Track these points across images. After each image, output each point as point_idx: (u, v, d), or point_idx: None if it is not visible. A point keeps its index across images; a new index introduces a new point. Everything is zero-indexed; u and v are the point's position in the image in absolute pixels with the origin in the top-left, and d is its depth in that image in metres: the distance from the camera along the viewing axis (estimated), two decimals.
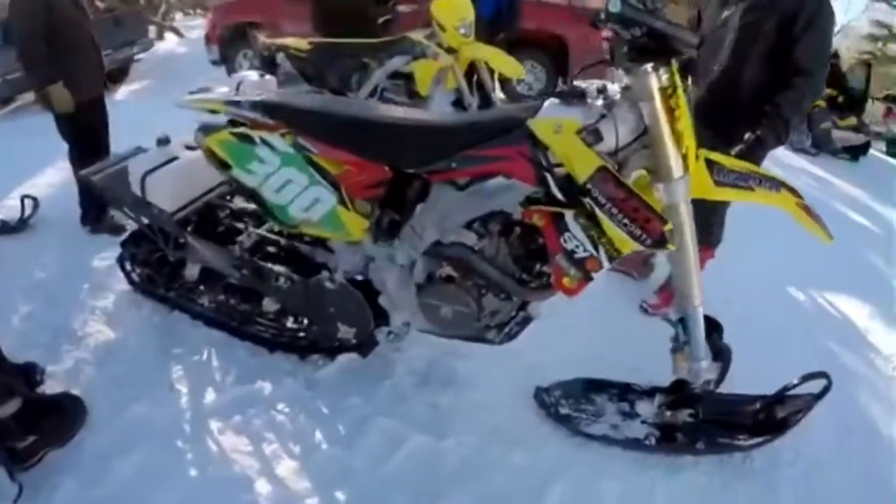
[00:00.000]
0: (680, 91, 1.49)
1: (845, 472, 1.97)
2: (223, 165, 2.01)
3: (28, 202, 3.71)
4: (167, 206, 2.31)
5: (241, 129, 1.95)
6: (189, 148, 2.42)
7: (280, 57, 3.97)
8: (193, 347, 2.47)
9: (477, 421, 2.03)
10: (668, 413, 1.93)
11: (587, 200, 1.51)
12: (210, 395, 2.22)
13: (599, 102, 1.57)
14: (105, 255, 3.24)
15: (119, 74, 6.87)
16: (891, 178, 5.88)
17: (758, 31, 2.21)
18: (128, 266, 2.80)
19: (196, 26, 10.53)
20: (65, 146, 3.42)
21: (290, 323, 2.44)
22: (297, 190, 1.90)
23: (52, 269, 3.15)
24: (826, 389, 1.80)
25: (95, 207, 3.51)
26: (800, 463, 1.96)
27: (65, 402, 1.97)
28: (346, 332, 2.16)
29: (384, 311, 2.10)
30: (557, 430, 1.99)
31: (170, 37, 9.09)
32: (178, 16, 10.41)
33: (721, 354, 1.87)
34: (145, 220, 2.46)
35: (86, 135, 3.34)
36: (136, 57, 7.21)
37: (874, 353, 2.76)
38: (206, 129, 2.03)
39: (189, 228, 2.41)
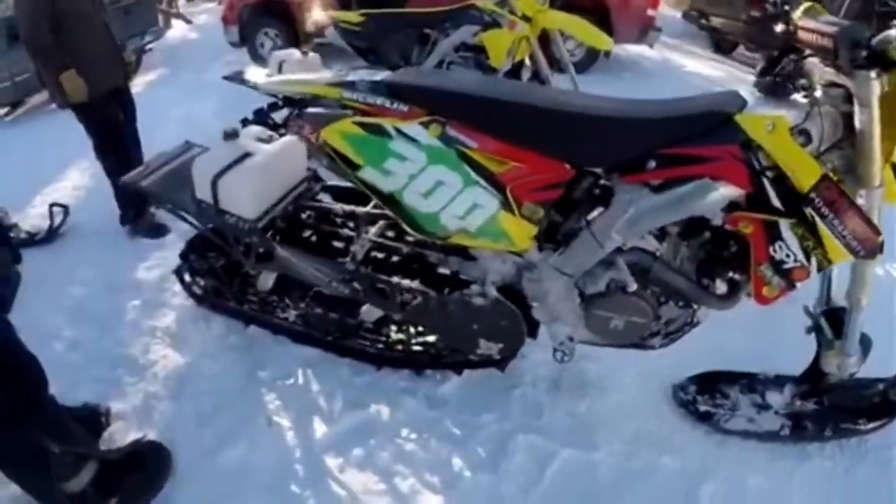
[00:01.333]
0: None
1: None
2: (348, 164, 1.66)
3: (57, 210, 3.44)
4: (247, 212, 1.97)
5: (368, 119, 1.62)
6: (261, 140, 2.10)
7: (329, 31, 3.61)
8: (284, 369, 2.19)
9: (620, 427, 1.95)
10: (799, 403, 1.93)
11: (809, 210, 1.43)
12: (319, 427, 1.95)
13: (800, 98, 1.46)
14: (151, 263, 3.01)
15: (132, 65, 6.57)
16: None
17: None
18: (187, 278, 2.52)
19: (201, 11, 10.23)
20: (88, 144, 3.19)
21: (402, 335, 2.17)
22: (450, 193, 1.60)
23: (93, 285, 2.86)
24: None
25: (134, 205, 3.29)
26: None
27: (144, 453, 1.77)
28: (488, 348, 1.89)
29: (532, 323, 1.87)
30: (697, 427, 1.95)
31: (177, 24, 8.72)
32: (181, 2, 10.00)
33: (863, 345, 1.79)
34: (212, 229, 2.19)
35: (108, 128, 3.16)
36: (148, 47, 6.93)
37: None
38: (315, 119, 1.69)
39: (272, 235, 2.12)
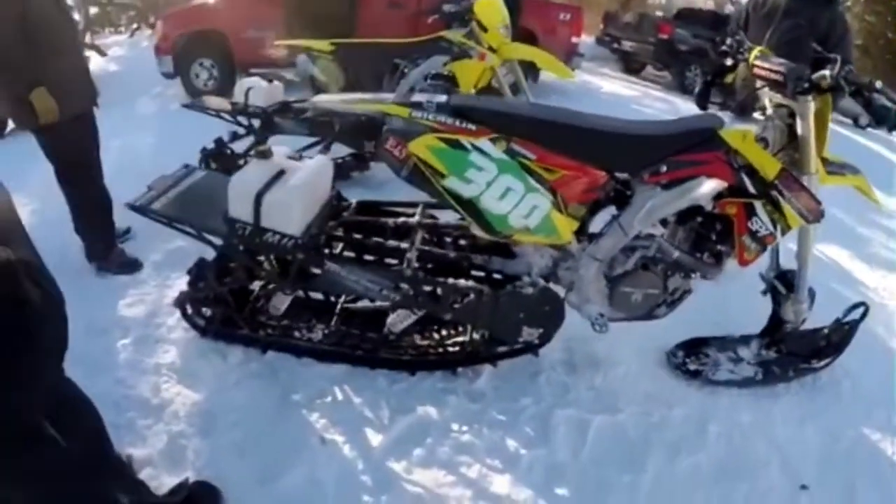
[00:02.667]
0: (826, 112, 2.08)
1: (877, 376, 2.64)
2: (434, 173, 1.93)
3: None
4: (292, 229, 2.04)
5: (448, 135, 1.90)
6: (291, 158, 2.20)
7: (301, 59, 3.71)
8: (317, 389, 2.23)
9: (633, 391, 2.36)
10: (765, 352, 2.48)
11: (774, 193, 1.98)
12: (374, 436, 2.04)
13: (758, 115, 2.22)
14: (130, 300, 2.86)
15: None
16: None
17: (799, 49, 2.89)
18: (189, 308, 2.47)
19: (111, 44, 9.88)
20: (41, 168, 2.98)
21: (433, 338, 2.36)
22: (516, 198, 1.93)
23: (73, 325, 2.70)
24: (865, 313, 2.43)
25: (102, 239, 3.12)
26: (851, 375, 2.59)
27: (199, 495, 1.68)
28: (529, 334, 2.18)
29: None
30: (691, 383, 2.44)
31: (93, 56, 8.36)
32: (88, 33, 9.54)
33: (810, 296, 2.40)
34: (241, 251, 2.21)
35: (76, 154, 2.94)
36: None
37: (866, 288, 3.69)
38: (402, 133, 1.91)
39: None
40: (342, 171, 3.79)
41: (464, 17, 3.64)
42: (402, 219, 2.38)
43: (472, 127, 1.90)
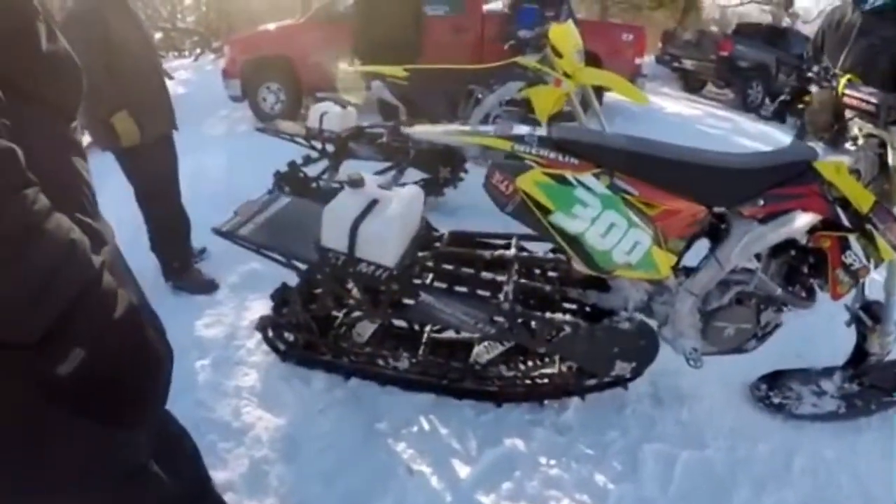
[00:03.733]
0: None
1: None
2: (540, 209, 1.92)
3: None
4: (387, 259, 2.03)
5: (553, 170, 1.90)
6: (382, 188, 2.20)
7: (376, 85, 3.76)
8: (403, 418, 2.23)
9: (718, 425, 2.33)
10: (847, 385, 2.41)
11: (868, 226, 1.96)
12: (462, 468, 2.03)
13: (849, 146, 2.14)
14: (208, 321, 2.92)
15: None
16: None
17: (873, 68, 2.81)
18: (271, 332, 2.50)
19: (176, 68, 10.26)
20: (118, 186, 3.07)
21: (520, 370, 2.33)
22: (619, 234, 1.91)
23: None
24: None
25: (179, 258, 3.21)
26: None
27: None
28: (622, 368, 2.17)
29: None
30: (775, 417, 2.40)
31: None
32: (171, 56, 10.01)
33: None
34: (329, 279, 2.22)
35: (156, 175, 3.05)
36: None
37: None
38: (509, 169, 1.91)
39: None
40: None
41: (538, 42, 3.67)
42: (497, 252, 2.36)
43: (576, 161, 1.90)
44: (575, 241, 1.93)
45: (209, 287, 3.19)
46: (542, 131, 1.96)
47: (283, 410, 2.26)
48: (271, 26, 7.14)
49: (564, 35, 3.59)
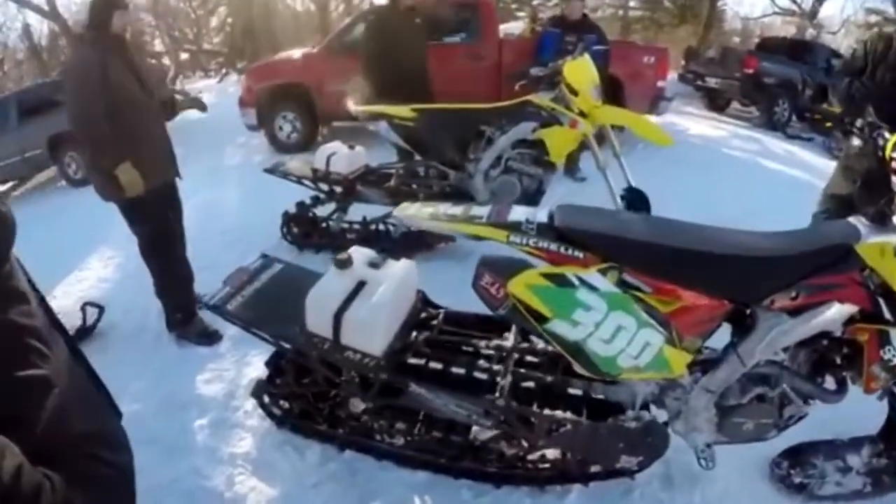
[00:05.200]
0: None
1: None
2: (536, 316, 1.67)
3: (91, 310, 3.28)
4: (374, 348, 1.90)
5: (551, 269, 1.66)
6: (373, 265, 2.04)
7: (382, 127, 3.60)
8: (398, 497, 2.06)
9: None
10: (875, 461, 2.16)
11: None
12: None
13: None
14: (209, 376, 2.83)
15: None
16: None
17: None
18: (267, 398, 2.36)
19: (199, 88, 10.28)
20: (109, 227, 3.01)
21: (521, 451, 2.12)
22: (628, 336, 1.67)
23: (147, 401, 2.66)
24: None
25: (182, 309, 3.13)
26: None
27: None
28: (628, 461, 1.94)
29: None
30: (795, 498, 2.16)
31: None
32: (179, 78, 10.05)
33: None
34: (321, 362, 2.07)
35: (159, 226, 2.99)
36: None
37: None
38: (498, 270, 1.69)
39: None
40: (426, 241, 3.65)
41: (552, 80, 3.46)
42: (494, 341, 2.14)
43: (580, 255, 1.66)
44: (576, 348, 1.70)
45: (212, 338, 3.10)
46: (542, 216, 1.72)
47: (276, 481, 2.16)
48: (287, 54, 7.09)
49: (580, 71, 3.36)
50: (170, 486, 2.17)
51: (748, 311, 1.77)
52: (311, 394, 2.26)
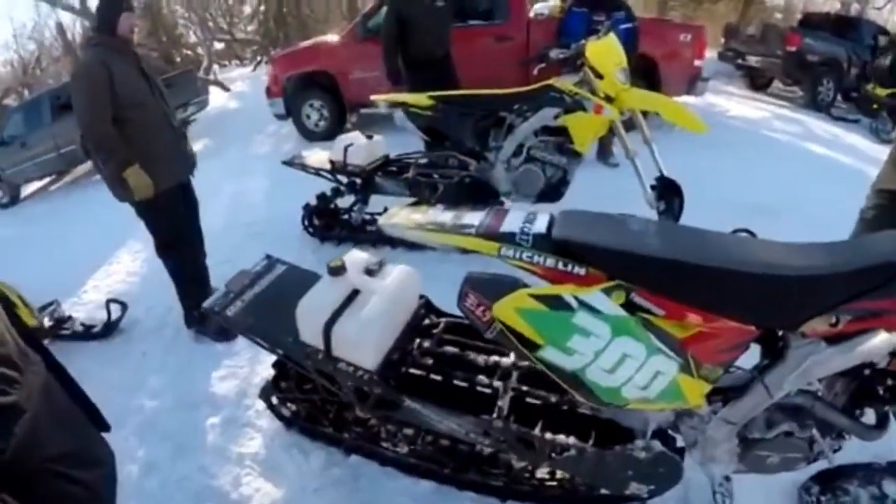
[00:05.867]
0: None
1: None
2: (524, 343, 1.45)
3: (114, 307, 3.29)
4: (367, 362, 1.77)
5: (545, 289, 1.43)
6: (369, 272, 1.91)
7: (399, 117, 3.46)
8: None
9: None
10: None
11: None
12: None
13: None
14: (224, 373, 2.81)
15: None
16: None
17: None
18: (275, 400, 2.30)
19: (235, 78, 10.32)
20: (140, 222, 2.99)
21: (528, 466, 1.98)
22: (634, 365, 1.43)
23: (164, 397, 2.69)
24: None
25: (198, 308, 3.08)
26: None
27: None
28: (638, 489, 1.73)
29: None
30: None
31: (215, 91, 8.74)
32: (215, 67, 10.09)
33: None
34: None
35: (172, 226, 2.96)
36: (191, 118, 6.91)
37: None
38: (484, 291, 1.48)
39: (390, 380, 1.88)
40: None
41: (575, 62, 3.22)
42: (495, 356, 1.95)
43: (581, 271, 1.43)
44: (573, 378, 1.48)
45: (228, 335, 3.05)
46: (541, 224, 1.49)
47: (281, 483, 2.12)
48: (312, 42, 6.97)
49: (604, 51, 3.12)
50: (178, 484, 2.17)
51: (779, 341, 1.53)
52: (317, 397, 2.17)
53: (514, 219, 1.52)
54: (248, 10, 15.63)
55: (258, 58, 12.58)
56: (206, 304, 2.07)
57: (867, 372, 1.57)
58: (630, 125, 3.36)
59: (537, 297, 1.40)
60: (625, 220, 1.54)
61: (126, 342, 3.18)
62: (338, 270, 1.83)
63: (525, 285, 1.46)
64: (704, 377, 1.46)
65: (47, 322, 3.21)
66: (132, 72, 2.72)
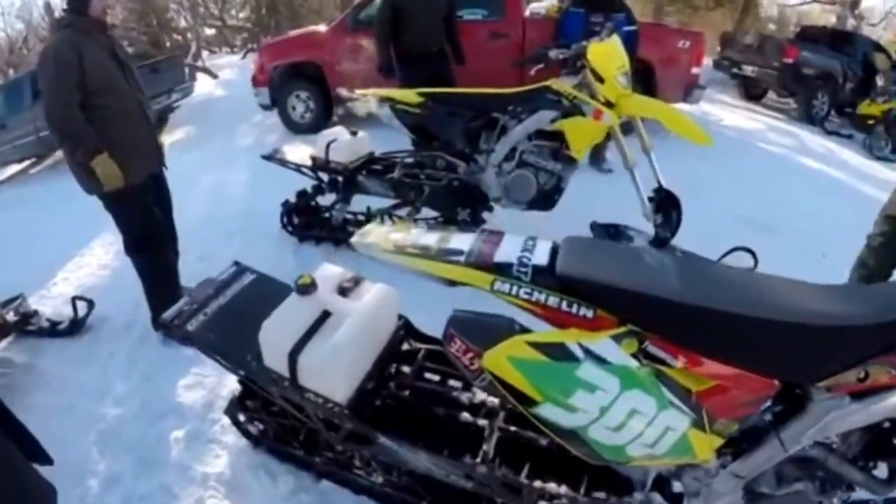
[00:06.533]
0: None
1: None
2: (518, 398, 1.27)
3: (81, 305, 3.12)
4: (336, 394, 1.59)
5: (545, 336, 1.24)
6: (342, 291, 1.73)
7: (385, 114, 3.27)
8: None
9: None
10: None
11: None
12: None
13: None
14: (190, 381, 2.64)
15: (158, 124, 6.41)
16: None
17: None
18: (242, 416, 2.12)
19: (224, 65, 10.07)
20: (113, 229, 2.84)
21: None
22: (643, 422, 1.26)
23: (128, 404, 2.53)
24: None
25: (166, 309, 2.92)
26: None
27: None
28: None
29: None
30: None
31: (203, 78, 8.49)
32: (205, 54, 9.83)
33: None
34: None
35: (142, 221, 2.77)
36: (175, 104, 6.66)
37: None
38: (472, 337, 1.29)
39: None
40: None
41: (575, 63, 3.05)
42: (480, 392, 1.76)
43: (588, 314, 1.24)
44: (573, 436, 1.30)
45: None
46: (542, 253, 1.31)
47: None
48: (300, 31, 6.75)
49: (607, 54, 2.95)
50: (140, 500, 2.05)
51: (797, 393, 1.39)
52: (287, 421, 1.99)
53: (510, 246, 1.33)
54: None
55: (248, 45, 12.32)
56: (165, 314, 1.88)
57: (886, 425, 1.43)
58: (625, 129, 3.21)
59: (536, 346, 1.22)
60: (639, 254, 1.36)
61: (93, 341, 3.01)
62: (307, 289, 1.65)
63: (521, 326, 1.29)
64: (717, 432, 1.30)
65: (12, 317, 3.01)
66: (104, 55, 2.54)
